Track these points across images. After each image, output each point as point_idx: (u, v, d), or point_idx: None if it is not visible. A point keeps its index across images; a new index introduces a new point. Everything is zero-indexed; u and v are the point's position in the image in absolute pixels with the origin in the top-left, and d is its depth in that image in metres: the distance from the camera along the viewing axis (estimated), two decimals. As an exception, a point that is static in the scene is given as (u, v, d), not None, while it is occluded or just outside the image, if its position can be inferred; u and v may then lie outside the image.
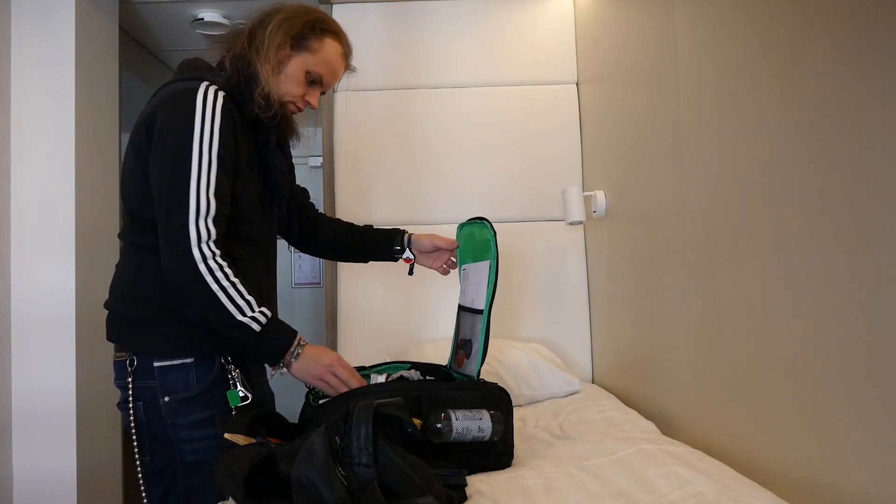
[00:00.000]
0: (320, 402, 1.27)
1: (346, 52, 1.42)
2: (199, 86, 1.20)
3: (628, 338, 1.92)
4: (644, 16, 1.70)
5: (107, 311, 1.32)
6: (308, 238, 1.62)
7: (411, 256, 1.62)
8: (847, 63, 0.92)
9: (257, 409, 1.34)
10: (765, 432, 1.17)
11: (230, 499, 1.03)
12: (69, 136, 2.23)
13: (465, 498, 1.09)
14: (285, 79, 1.31)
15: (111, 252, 2.40)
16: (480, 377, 1.35)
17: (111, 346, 1.32)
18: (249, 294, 1.18)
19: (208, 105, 1.19)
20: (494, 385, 1.32)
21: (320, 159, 2.68)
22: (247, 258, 1.28)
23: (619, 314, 2.00)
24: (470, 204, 2.33)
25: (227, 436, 1.15)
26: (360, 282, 2.32)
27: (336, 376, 1.25)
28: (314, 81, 1.36)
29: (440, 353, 1.98)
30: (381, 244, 1.63)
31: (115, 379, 1.30)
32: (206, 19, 2.79)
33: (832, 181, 0.96)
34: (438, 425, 1.17)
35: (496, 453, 1.26)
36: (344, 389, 1.24)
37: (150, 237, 1.21)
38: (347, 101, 2.37)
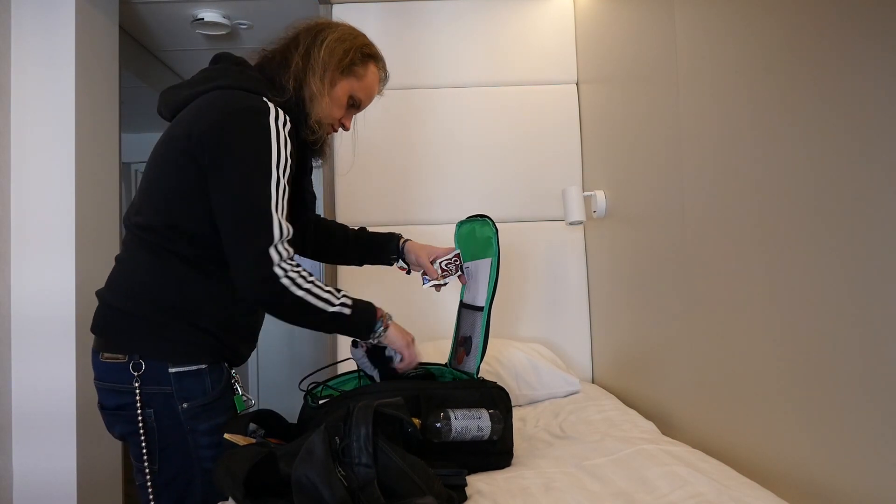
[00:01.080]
0: (320, 402, 1.28)
1: (384, 78, 1.43)
2: (269, 107, 1.18)
3: (628, 338, 1.92)
4: (644, 16, 1.70)
5: (98, 302, 1.27)
6: (303, 240, 1.59)
7: (405, 266, 1.62)
8: (847, 63, 0.92)
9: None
10: (765, 432, 1.17)
11: (230, 499, 1.03)
12: (69, 136, 2.23)
13: (465, 498, 1.09)
14: (331, 102, 1.31)
15: (111, 252, 2.40)
16: (480, 376, 1.35)
17: None
18: (327, 286, 1.22)
19: (280, 129, 1.18)
20: (493, 384, 1.32)
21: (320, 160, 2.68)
22: None
23: (619, 314, 2.00)
24: (470, 204, 2.33)
25: (226, 436, 1.15)
26: (360, 282, 2.32)
27: (412, 349, 1.33)
28: (353, 105, 1.37)
29: (440, 353, 1.97)
30: (375, 249, 1.63)
31: (102, 380, 1.23)
32: (206, 19, 2.79)
33: (832, 181, 0.96)
34: (438, 425, 1.17)
35: (496, 452, 1.26)
36: (415, 362, 1.35)
37: (187, 247, 1.20)
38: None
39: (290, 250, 1.18)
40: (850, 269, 0.93)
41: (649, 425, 1.55)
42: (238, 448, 1.11)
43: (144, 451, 1.19)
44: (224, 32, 2.91)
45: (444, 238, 2.34)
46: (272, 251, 1.14)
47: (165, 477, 1.21)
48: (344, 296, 1.24)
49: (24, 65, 2.22)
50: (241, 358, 1.31)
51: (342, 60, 1.30)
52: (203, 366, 1.22)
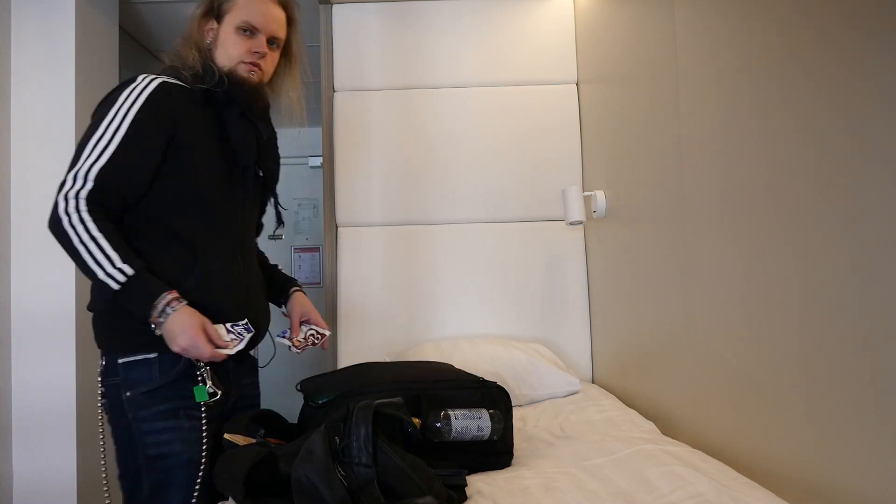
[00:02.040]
0: (320, 402, 1.28)
1: None
2: (137, 78, 1.28)
3: (628, 338, 1.92)
4: (644, 16, 1.70)
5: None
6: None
7: (286, 314, 1.57)
8: (846, 62, 0.92)
9: (237, 410, 1.34)
10: (765, 432, 1.17)
11: (230, 499, 1.03)
12: (69, 136, 2.23)
13: (465, 498, 1.09)
14: (223, 47, 1.35)
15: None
16: (480, 377, 1.35)
17: None
18: (119, 251, 1.16)
19: (134, 92, 1.24)
20: (494, 384, 1.32)
21: (320, 159, 2.68)
22: (210, 245, 1.29)
23: (619, 314, 2.00)
24: (469, 203, 2.34)
25: (226, 436, 1.15)
26: (359, 282, 2.32)
27: (194, 353, 1.19)
28: (247, 31, 1.36)
29: (440, 353, 1.98)
30: (276, 288, 1.56)
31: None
32: (206, 19, 2.79)
33: (832, 180, 0.96)
34: (438, 424, 1.17)
35: (496, 452, 1.26)
36: (204, 356, 1.20)
37: (124, 231, 1.23)
38: (347, 101, 2.37)
39: (86, 190, 1.17)
40: (850, 268, 0.93)
41: (649, 425, 1.55)
42: (238, 448, 1.11)
43: (102, 446, 1.27)
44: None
45: (444, 238, 2.35)
46: (61, 196, 1.17)
47: (120, 470, 1.25)
48: (123, 268, 1.15)
49: (24, 65, 2.22)
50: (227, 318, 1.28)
51: (207, 11, 1.37)
52: (152, 355, 1.22)
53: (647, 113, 1.68)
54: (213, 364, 1.25)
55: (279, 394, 1.57)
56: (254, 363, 1.51)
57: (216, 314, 1.25)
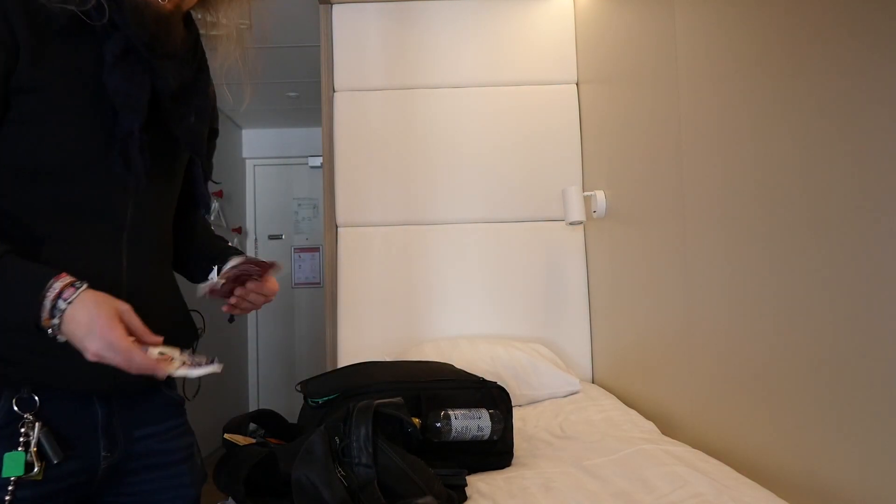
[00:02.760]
0: (320, 402, 1.28)
1: None
2: None
3: (628, 338, 1.92)
4: (644, 16, 1.70)
5: None
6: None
7: (213, 277, 1.04)
8: (846, 63, 0.92)
9: (126, 476, 0.94)
10: (765, 432, 1.17)
11: (230, 499, 1.03)
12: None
13: (465, 498, 1.09)
14: None
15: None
16: (480, 377, 1.35)
17: None
18: None
19: None
20: (494, 384, 1.32)
21: (320, 159, 2.68)
22: (64, 237, 0.88)
23: (619, 314, 2.00)
24: (470, 203, 2.34)
25: (226, 436, 1.15)
26: (360, 282, 2.32)
27: (117, 360, 0.80)
28: None
29: (440, 353, 1.98)
30: (206, 256, 1.13)
31: None
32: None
33: (832, 180, 0.96)
34: (438, 424, 1.17)
35: (496, 452, 1.26)
36: (133, 370, 0.82)
37: None
38: (347, 101, 2.37)
39: None
40: (850, 268, 0.93)
41: (649, 425, 1.55)
42: (238, 448, 1.11)
43: None
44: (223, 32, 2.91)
45: (444, 238, 2.35)
46: None
47: None
48: None
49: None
50: (61, 380, 0.86)
51: None
52: None
53: (647, 113, 1.68)
54: (57, 411, 0.85)
55: (279, 394, 1.57)
56: (171, 400, 1.03)
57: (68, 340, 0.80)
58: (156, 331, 0.85)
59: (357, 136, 2.37)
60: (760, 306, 1.17)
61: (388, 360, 2.05)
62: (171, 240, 1.06)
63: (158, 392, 1.00)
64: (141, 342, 0.82)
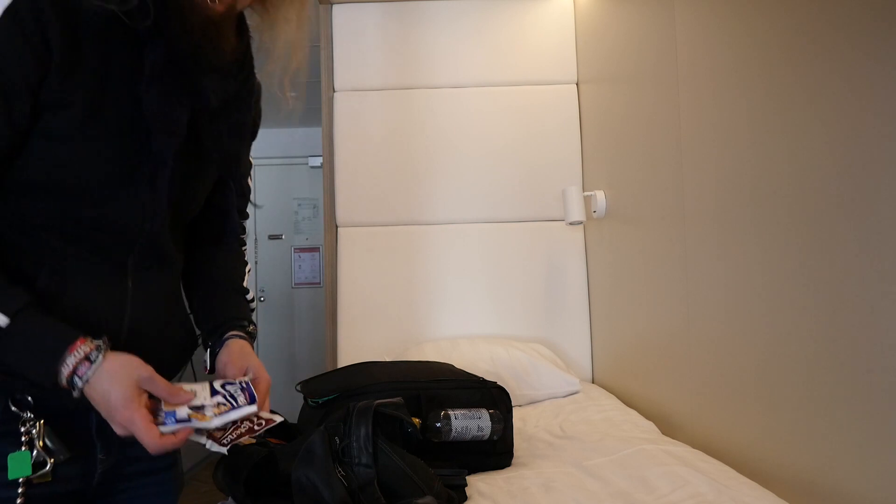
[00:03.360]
0: (320, 402, 1.27)
1: None
2: None
3: (628, 338, 1.92)
4: (644, 16, 1.70)
5: None
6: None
7: (207, 366, 0.97)
8: (845, 63, 0.92)
9: (118, 482, 0.89)
10: (765, 432, 1.17)
11: (230, 499, 1.03)
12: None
13: (465, 498, 1.09)
14: None
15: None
16: (480, 377, 1.35)
17: None
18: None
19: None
20: (494, 384, 1.32)
21: (320, 159, 2.68)
22: (65, 252, 0.81)
23: (619, 314, 2.00)
24: (470, 203, 2.34)
25: (226, 436, 1.15)
26: (360, 282, 2.32)
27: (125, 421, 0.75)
28: None
29: (440, 353, 1.98)
30: (208, 321, 1.00)
31: None
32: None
33: (832, 180, 0.96)
34: (438, 424, 1.17)
35: (496, 452, 1.26)
36: (158, 452, 0.77)
37: None
38: (347, 101, 2.37)
39: None
40: (850, 268, 0.93)
41: (649, 425, 1.55)
42: (238, 448, 1.11)
43: None
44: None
45: (444, 238, 2.35)
46: None
47: None
48: (4, 304, 0.73)
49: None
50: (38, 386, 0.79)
51: None
52: None
53: (648, 113, 1.68)
54: (53, 413, 0.81)
55: (279, 394, 1.57)
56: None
57: None
58: (159, 355, 0.83)
59: (357, 136, 2.37)
60: (760, 306, 1.17)
61: (388, 360, 2.05)
62: (182, 252, 0.98)
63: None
64: (169, 404, 0.78)
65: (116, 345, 0.80)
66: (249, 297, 1.06)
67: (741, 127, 1.21)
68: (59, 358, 0.73)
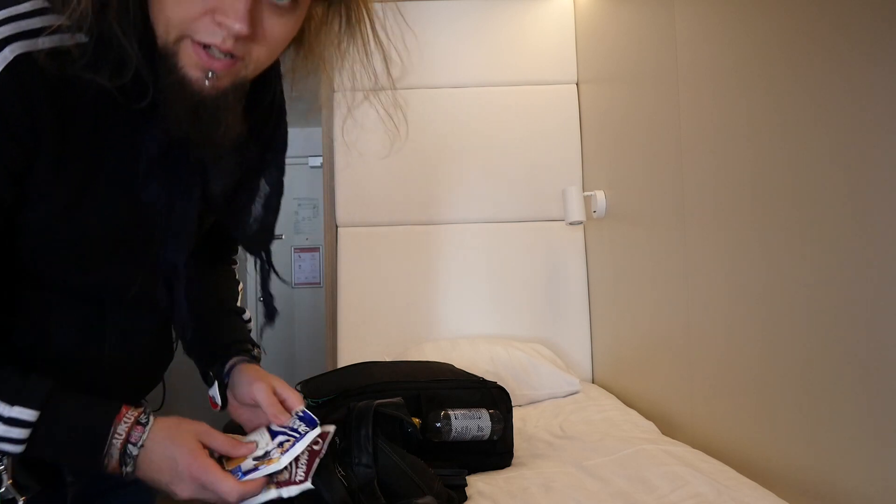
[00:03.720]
0: (320, 401, 1.27)
1: None
2: None
3: (628, 338, 1.92)
4: (644, 16, 1.70)
5: None
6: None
7: (217, 401, 0.89)
8: (845, 63, 0.92)
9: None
10: (764, 432, 1.17)
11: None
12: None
13: (465, 498, 1.09)
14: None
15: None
16: (480, 377, 1.35)
17: None
18: (14, 377, 0.65)
19: None
20: (494, 384, 1.32)
21: (320, 159, 2.68)
22: (48, 300, 0.73)
23: (619, 314, 2.00)
24: (470, 203, 2.33)
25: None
26: (360, 282, 2.32)
27: (214, 499, 0.70)
28: None
29: (440, 353, 1.98)
30: (206, 347, 0.92)
31: None
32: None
33: (832, 179, 0.96)
34: (438, 424, 1.17)
35: (496, 452, 1.26)
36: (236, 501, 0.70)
37: None
38: (347, 101, 2.37)
39: None
40: (851, 267, 0.93)
41: (649, 425, 1.55)
42: (238, 448, 1.11)
43: None
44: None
45: (444, 238, 2.35)
46: None
47: None
48: (15, 415, 0.64)
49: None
50: None
51: None
52: None
53: (648, 113, 1.68)
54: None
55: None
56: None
57: None
58: (140, 384, 0.77)
59: (357, 136, 2.37)
60: (760, 306, 1.17)
61: (388, 360, 2.05)
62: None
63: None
64: (232, 460, 0.72)
65: (98, 379, 0.75)
66: (246, 316, 0.97)
67: (741, 127, 1.21)
68: (106, 432, 0.67)
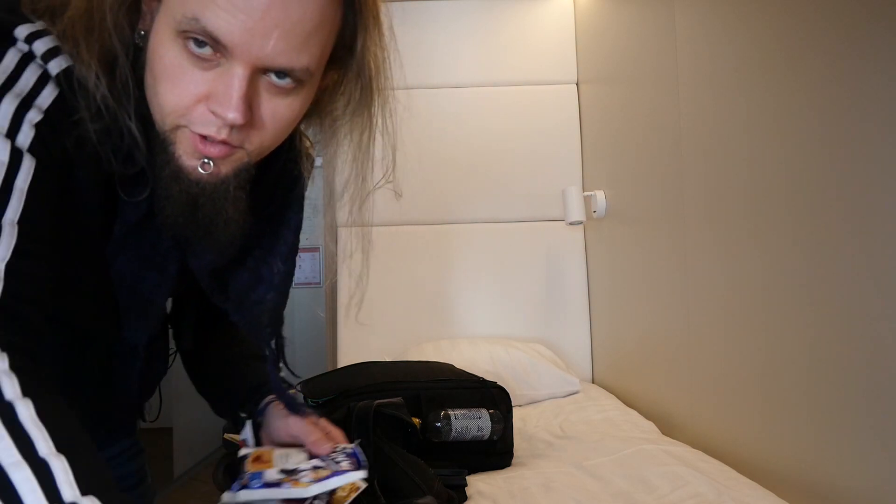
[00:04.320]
0: (320, 401, 1.27)
1: None
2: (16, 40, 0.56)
3: (628, 338, 1.92)
4: (644, 16, 1.70)
5: None
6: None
7: (251, 443, 0.86)
8: (845, 63, 0.92)
9: None
10: (765, 432, 1.17)
11: (230, 498, 1.03)
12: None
13: (465, 498, 1.09)
14: (152, 71, 0.57)
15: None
16: (480, 377, 1.35)
17: None
18: (72, 466, 0.46)
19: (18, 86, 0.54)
20: (494, 384, 1.32)
21: (320, 159, 2.68)
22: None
23: (619, 314, 2.00)
24: (469, 204, 2.33)
25: (226, 436, 1.15)
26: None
27: None
28: (199, 43, 0.54)
29: (440, 353, 1.98)
30: (228, 388, 0.91)
31: None
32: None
33: (833, 180, 0.96)
34: (438, 424, 1.17)
35: (496, 452, 1.26)
36: None
37: None
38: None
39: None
40: (851, 267, 0.93)
41: (649, 425, 1.55)
42: (238, 448, 1.11)
43: None
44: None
45: (443, 238, 2.35)
46: None
47: None
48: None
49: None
50: None
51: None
52: None
53: (648, 113, 1.68)
54: None
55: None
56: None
57: None
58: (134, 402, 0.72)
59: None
60: (760, 306, 1.17)
61: (388, 360, 2.05)
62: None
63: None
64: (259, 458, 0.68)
65: (92, 402, 0.71)
66: None
67: (741, 127, 1.21)
68: None
